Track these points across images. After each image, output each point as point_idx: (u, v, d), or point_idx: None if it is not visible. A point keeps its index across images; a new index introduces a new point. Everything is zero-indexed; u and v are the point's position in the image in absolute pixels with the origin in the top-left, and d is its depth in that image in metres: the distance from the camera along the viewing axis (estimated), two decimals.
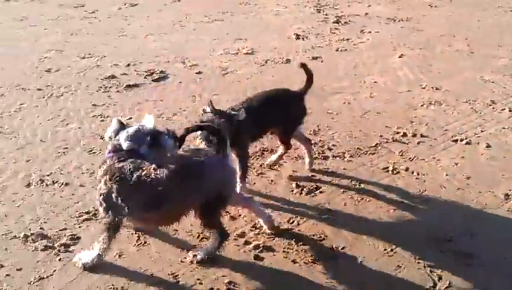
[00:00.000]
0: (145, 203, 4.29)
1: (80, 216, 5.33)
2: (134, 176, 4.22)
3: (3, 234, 5.08)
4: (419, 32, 11.45)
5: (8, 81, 8.93)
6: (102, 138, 6.92)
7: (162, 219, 4.55)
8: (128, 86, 8.69)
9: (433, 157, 6.39)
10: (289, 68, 9.46)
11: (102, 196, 4.35)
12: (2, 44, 11.10)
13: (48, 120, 7.52)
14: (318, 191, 5.74)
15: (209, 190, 4.40)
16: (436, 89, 8.45)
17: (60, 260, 4.74)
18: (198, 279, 4.50)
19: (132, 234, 5.06)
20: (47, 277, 4.55)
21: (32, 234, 5.06)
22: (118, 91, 8.55)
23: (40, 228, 5.17)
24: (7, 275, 4.57)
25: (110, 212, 4.36)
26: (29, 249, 4.88)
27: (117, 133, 4.51)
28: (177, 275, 4.55)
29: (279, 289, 4.41)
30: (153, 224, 4.76)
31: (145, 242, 4.97)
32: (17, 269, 4.64)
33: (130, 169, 4.25)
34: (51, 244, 4.94)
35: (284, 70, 9.36)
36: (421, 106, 7.86)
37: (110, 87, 8.68)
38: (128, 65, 9.67)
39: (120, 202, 4.27)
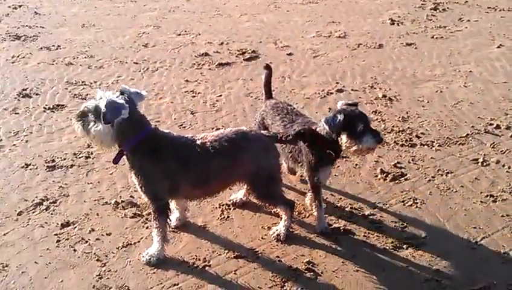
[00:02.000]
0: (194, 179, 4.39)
1: None
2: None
3: (95, 200, 5.37)
4: None
5: (107, 54, 9.35)
6: (192, 113, 7.14)
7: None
8: (220, 64, 8.87)
9: None
10: (381, 53, 9.33)
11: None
12: (103, 18, 11.59)
13: None
14: (403, 178, 5.67)
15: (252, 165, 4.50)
16: None
17: (147, 228, 4.94)
18: (277, 256, 4.58)
19: (216, 208, 5.21)
20: (134, 243, 4.76)
21: (122, 201, 5.31)
22: (210, 69, 8.75)
23: (130, 196, 5.40)
24: (97, 239, 4.82)
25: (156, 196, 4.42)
26: (119, 216, 5.13)
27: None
28: (257, 251, 4.64)
29: (356, 272, 4.41)
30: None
31: (228, 217, 5.10)
32: (106, 234, 4.89)
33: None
34: (139, 213, 5.16)
35: (376, 55, 9.25)
36: None
37: (202, 65, 8.89)
38: (222, 44, 9.86)
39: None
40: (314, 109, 7.17)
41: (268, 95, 5.43)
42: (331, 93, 7.75)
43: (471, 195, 5.38)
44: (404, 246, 4.68)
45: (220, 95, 7.71)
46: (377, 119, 6.91)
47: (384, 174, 5.70)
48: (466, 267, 4.44)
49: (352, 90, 7.87)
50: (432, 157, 6.04)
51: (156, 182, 4.31)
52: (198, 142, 4.33)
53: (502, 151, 6.16)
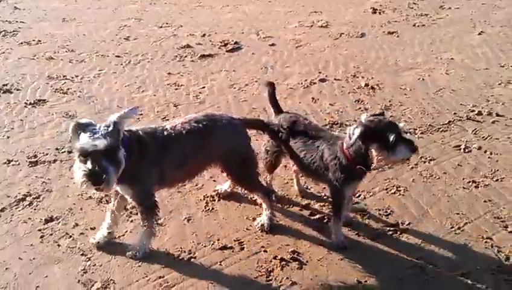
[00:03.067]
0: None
1: None
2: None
3: (78, 195, 5.31)
4: (501, 10, 11.07)
5: (89, 48, 9.27)
6: (175, 105, 7.11)
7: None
8: (203, 56, 8.83)
9: (508, 137, 6.21)
10: (363, 42, 9.36)
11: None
12: (84, 12, 11.50)
13: (125, 86, 7.77)
14: None
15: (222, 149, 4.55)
16: None
17: (131, 221, 4.91)
18: (262, 247, 4.59)
19: (200, 200, 5.20)
20: (119, 237, 4.73)
21: (106, 195, 5.23)
22: (192, 61, 8.71)
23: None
24: (81, 233, 4.79)
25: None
26: (103, 210, 5.06)
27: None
28: (243, 242, 4.64)
29: (341, 261, 4.42)
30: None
31: (213, 208, 5.09)
32: (90, 228, 4.85)
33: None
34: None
35: (358, 45, 9.27)
36: (499, 84, 7.63)
37: (185, 57, 8.85)
38: (204, 35, 9.82)
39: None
40: (298, 99, 7.18)
41: (278, 109, 5.00)
42: (314, 83, 7.76)
43: (454, 181, 5.42)
44: (388, 234, 4.70)
45: (203, 87, 7.68)
46: (359, 108, 6.94)
47: None
48: (449, 253, 4.47)
49: (335, 79, 7.88)
50: None
51: (148, 179, 4.29)
52: (168, 126, 4.36)
53: (483, 137, 6.21)
